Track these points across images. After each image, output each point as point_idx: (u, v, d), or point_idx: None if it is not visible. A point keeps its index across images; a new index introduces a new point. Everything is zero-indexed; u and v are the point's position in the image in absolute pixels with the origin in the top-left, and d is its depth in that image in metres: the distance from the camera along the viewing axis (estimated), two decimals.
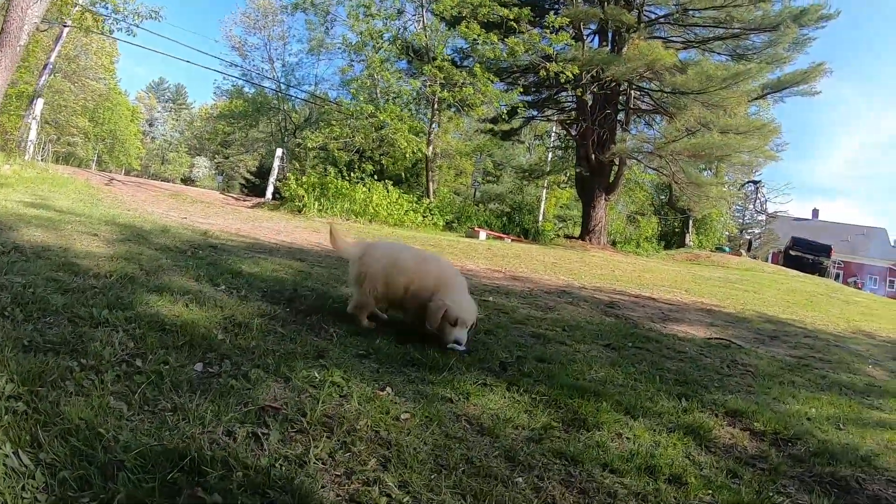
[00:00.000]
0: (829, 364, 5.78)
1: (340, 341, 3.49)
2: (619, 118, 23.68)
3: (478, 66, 19.80)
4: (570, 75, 19.31)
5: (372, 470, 2.00)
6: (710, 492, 2.34)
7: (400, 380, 3.03)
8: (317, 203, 17.07)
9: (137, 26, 19.86)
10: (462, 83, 19.12)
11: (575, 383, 3.47)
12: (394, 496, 1.88)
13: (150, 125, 75.94)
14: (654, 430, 2.99)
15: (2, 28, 11.28)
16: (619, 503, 2.15)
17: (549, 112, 25.99)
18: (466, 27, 19.27)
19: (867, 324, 9.61)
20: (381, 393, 2.73)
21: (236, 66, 38.83)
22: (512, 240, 20.58)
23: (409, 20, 22.99)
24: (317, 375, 2.72)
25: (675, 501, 2.24)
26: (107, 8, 19.71)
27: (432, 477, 2.04)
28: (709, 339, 6.29)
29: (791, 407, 3.92)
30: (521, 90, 22.25)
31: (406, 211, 19.14)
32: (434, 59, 20.08)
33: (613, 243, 26.63)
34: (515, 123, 26.06)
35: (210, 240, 7.28)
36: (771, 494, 2.41)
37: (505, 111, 23.95)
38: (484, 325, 4.74)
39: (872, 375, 5.58)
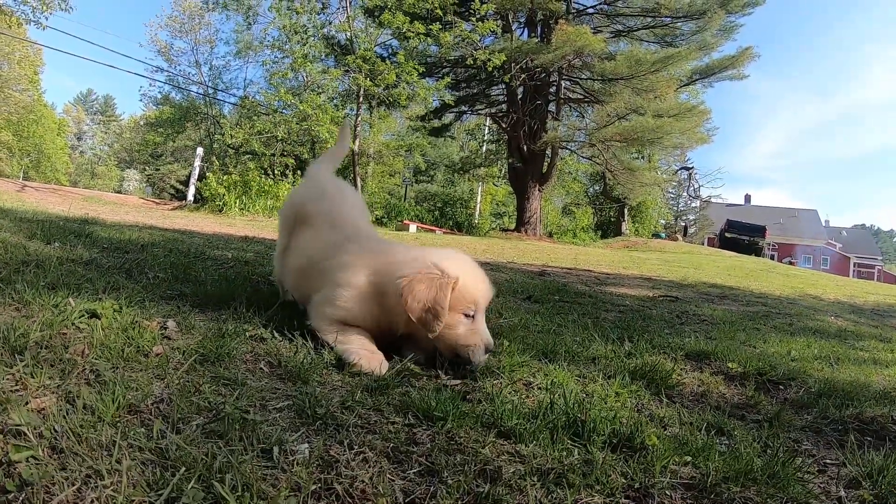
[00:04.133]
0: (790, 316, 5.23)
1: (156, 285, 2.72)
2: (549, 108, 23.50)
3: (401, 54, 19.20)
4: (498, 62, 18.94)
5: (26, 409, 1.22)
6: (688, 458, 1.49)
7: (205, 318, 2.22)
8: (238, 202, 16.19)
9: (46, 18, 18.62)
10: (386, 71, 18.47)
11: None
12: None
13: (79, 139, 72.98)
14: (585, 378, 2.15)
15: None
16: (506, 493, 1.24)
17: (479, 106, 25.59)
18: (391, 16, 18.67)
19: (811, 290, 9.37)
20: (150, 324, 1.95)
21: (162, 70, 37.25)
22: (444, 232, 20.09)
23: (334, 13, 22.24)
24: (71, 303, 1.95)
25: (626, 480, 1.36)
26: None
27: (121, 425, 1.25)
28: (653, 297, 5.65)
29: (767, 348, 3.24)
30: (449, 82, 21.72)
31: None
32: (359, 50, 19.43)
33: (550, 234, 26.47)
34: (446, 119, 25.69)
35: (89, 220, 6.39)
36: (786, 457, 1.56)
37: (433, 106, 23.42)
38: None
39: (838, 324, 5.10)
